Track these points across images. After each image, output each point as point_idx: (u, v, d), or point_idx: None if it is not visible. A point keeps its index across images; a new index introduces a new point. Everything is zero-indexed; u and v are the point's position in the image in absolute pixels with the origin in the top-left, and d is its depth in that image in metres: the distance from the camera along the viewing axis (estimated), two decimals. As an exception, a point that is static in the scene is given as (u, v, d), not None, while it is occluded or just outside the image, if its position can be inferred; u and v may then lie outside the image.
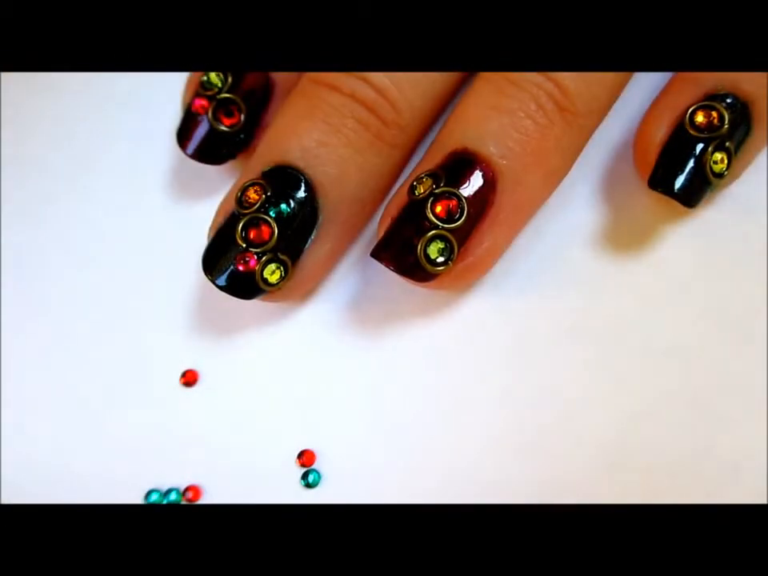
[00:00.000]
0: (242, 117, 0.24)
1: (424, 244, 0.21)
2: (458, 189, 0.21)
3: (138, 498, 0.24)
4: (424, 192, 0.21)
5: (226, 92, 0.24)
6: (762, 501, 0.22)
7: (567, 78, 0.22)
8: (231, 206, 0.22)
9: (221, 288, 0.22)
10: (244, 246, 0.22)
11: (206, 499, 0.24)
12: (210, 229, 0.23)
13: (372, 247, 0.22)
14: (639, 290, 0.24)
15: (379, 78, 0.22)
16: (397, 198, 0.23)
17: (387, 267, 0.22)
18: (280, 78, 0.25)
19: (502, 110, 0.22)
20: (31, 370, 0.25)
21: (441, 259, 0.21)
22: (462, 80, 0.24)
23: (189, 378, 0.25)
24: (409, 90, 0.22)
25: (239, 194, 0.22)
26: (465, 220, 0.21)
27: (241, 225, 0.22)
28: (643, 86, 0.25)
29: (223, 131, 0.24)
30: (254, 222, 0.22)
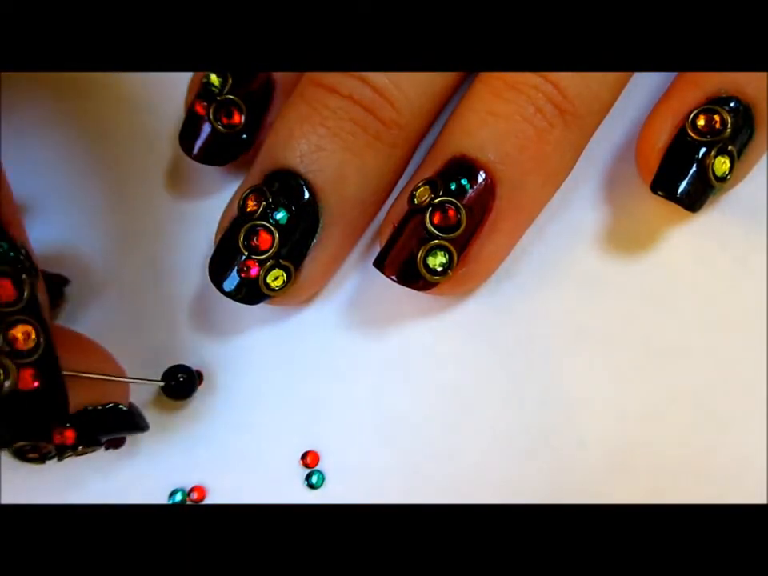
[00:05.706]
0: (243, 117, 0.24)
1: (424, 254, 0.21)
2: (457, 197, 0.21)
3: (141, 499, 0.24)
4: (423, 200, 0.21)
5: (227, 93, 0.24)
6: (762, 501, 0.22)
7: (566, 78, 0.21)
8: (234, 212, 0.22)
9: (226, 294, 0.22)
10: (246, 253, 0.22)
11: (210, 499, 0.24)
12: (216, 234, 0.23)
13: (375, 246, 0.22)
14: (641, 290, 0.24)
15: (378, 77, 0.22)
16: (397, 205, 0.23)
17: (389, 278, 0.22)
18: (281, 77, 0.25)
19: (499, 115, 0.21)
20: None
21: (441, 269, 0.21)
22: (462, 77, 0.24)
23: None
24: (408, 88, 0.22)
25: (240, 201, 0.22)
26: (464, 229, 0.21)
27: (242, 233, 0.22)
28: (645, 84, 0.25)
29: (224, 132, 0.24)
30: (255, 230, 0.22)
